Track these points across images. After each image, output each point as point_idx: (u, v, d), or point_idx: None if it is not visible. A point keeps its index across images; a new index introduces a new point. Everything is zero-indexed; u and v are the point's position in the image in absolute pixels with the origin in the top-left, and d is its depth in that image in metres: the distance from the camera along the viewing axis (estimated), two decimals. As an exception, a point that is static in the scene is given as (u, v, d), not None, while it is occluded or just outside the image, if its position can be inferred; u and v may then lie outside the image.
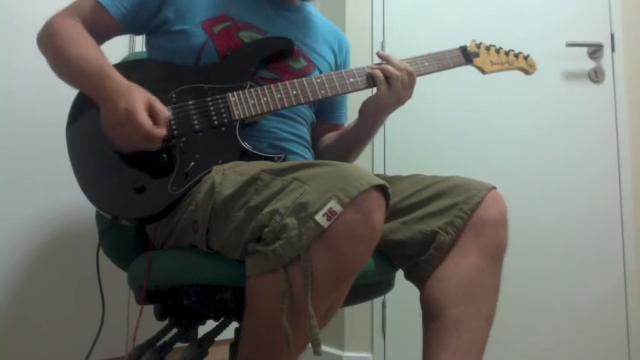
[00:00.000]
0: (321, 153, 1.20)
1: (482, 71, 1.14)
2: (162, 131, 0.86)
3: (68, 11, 1.01)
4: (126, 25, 1.03)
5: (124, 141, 0.87)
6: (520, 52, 1.18)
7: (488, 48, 1.15)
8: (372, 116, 1.10)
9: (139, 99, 0.86)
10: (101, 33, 1.00)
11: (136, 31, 1.08)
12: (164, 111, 0.88)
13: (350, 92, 1.04)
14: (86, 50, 0.94)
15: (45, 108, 1.37)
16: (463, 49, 1.13)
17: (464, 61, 1.12)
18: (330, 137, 1.22)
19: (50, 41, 0.98)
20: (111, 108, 0.86)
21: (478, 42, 1.15)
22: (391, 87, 1.01)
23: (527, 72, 1.18)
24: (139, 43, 1.54)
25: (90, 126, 0.92)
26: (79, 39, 0.96)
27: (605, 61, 1.77)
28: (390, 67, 1.01)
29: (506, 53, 1.17)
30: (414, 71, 1.04)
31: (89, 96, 0.92)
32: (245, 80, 0.97)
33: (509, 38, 1.72)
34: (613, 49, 1.77)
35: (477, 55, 1.13)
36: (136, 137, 0.85)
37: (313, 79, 1.00)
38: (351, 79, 1.02)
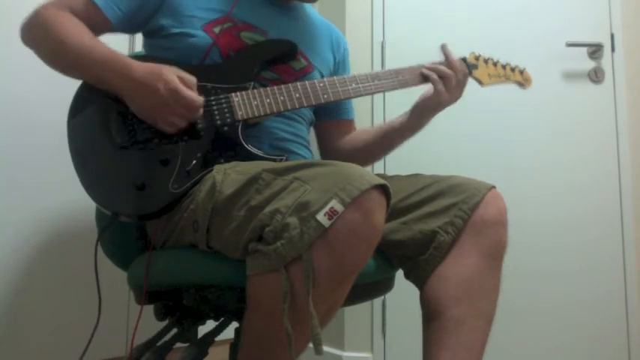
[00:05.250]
0: (355, 151, 1.19)
1: (481, 83, 1.15)
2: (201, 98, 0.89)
3: (57, 5, 0.97)
4: (120, 26, 1.02)
5: (170, 118, 0.88)
6: (517, 66, 1.19)
7: (486, 60, 1.16)
8: (425, 115, 1.11)
9: (170, 73, 0.88)
10: (92, 29, 0.97)
11: (129, 32, 1.07)
12: (192, 77, 0.90)
13: (352, 98, 1.05)
14: (91, 40, 0.93)
15: (45, 108, 1.37)
16: (463, 61, 1.13)
17: None
18: (367, 134, 1.21)
19: (46, 32, 0.94)
20: (148, 91, 0.87)
21: (477, 54, 1.15)
22: (446, 87, 1.05)
23: (522, 86, 1.20)
24: (139, 43, 1.54)
25: (91, 121, 0.92)
26: (82, 30, 0.94)
27: (605, 61, 1.77)
28: (444, 68, 1.05)
29: (504, 66, 1.17)
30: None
31: (105, 83, 0.91)
32: (248, 81, 0.98)
33: (510, 38, 1.75)
34: (613, 49, 1.77)
35: (475, 67, 1.13)
36: (183, 111, 0.87)
37: (316, 83, 1.00)
38: (353, 85, 1.02)
